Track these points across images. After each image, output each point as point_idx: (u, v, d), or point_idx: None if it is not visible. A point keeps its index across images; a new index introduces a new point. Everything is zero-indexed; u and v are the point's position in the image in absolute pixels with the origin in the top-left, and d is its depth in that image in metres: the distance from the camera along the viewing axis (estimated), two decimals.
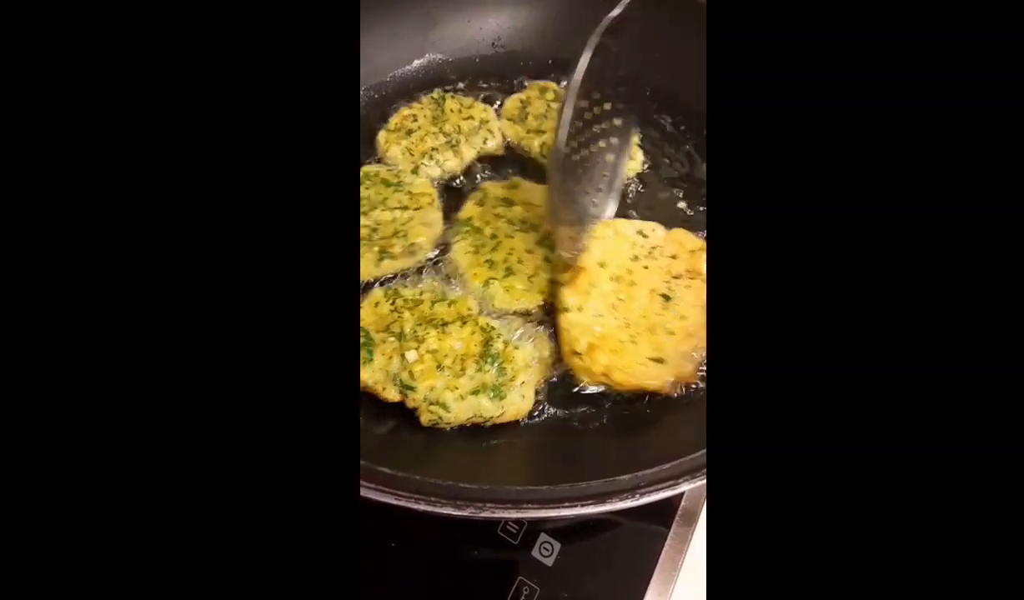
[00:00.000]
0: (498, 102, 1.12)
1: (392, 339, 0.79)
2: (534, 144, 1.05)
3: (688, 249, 0.90)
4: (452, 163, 1.03)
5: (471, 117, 1.07)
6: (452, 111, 1.08)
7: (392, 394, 0.76)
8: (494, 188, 0.99)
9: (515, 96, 1.12)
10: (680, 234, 0.92)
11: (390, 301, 0.83)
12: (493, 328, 0.80)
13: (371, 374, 0.77)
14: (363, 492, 0.59)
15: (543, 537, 0.73)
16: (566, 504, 0.60)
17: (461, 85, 1.16)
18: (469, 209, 0.96)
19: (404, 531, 0.72)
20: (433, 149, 1.02)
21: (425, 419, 0.75)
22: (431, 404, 0.74)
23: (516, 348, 0.79)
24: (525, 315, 0.87)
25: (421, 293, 0.85)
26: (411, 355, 0.76)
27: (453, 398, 0.75)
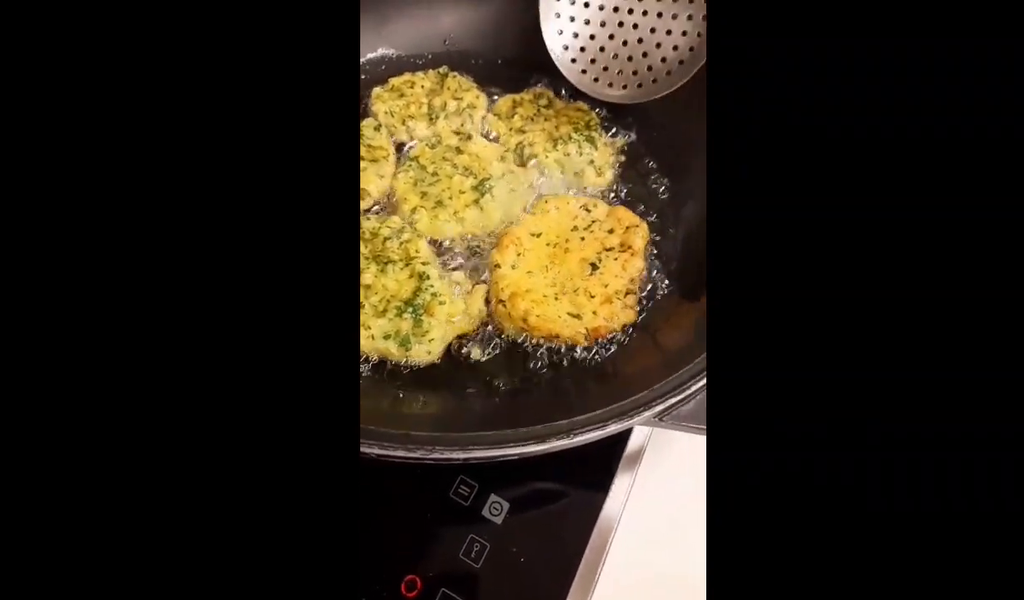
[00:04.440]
0: (495, 98, 1.16)
1: None
2: (511, 141, 1.07)
3: (624, 224, 0.95)
4: (421, 133, 1.08)
5: (461, 99, 1.12)
6: (448, 88, 1.13)
7: None
8: (449, 136, 1.05)
9: (510, 96, 1.15)
10: (620, 211, 0.97)
11: None
12: (428, 277, 0.85)
13: None
14: None
15: (493, 498, 0.78)
16: (510, 444, 0.66)
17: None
18: (420, 149, 1.04)
19: (358, 496, 0.75)
20: (410, 116, 1.07)
21: None
22: None
23: (442, 303, 0.84)
24: (472, 270, 0.92)
25: (380, 228, 0.91)
26: None
27: (364, 336, 0.81)
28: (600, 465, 0.82)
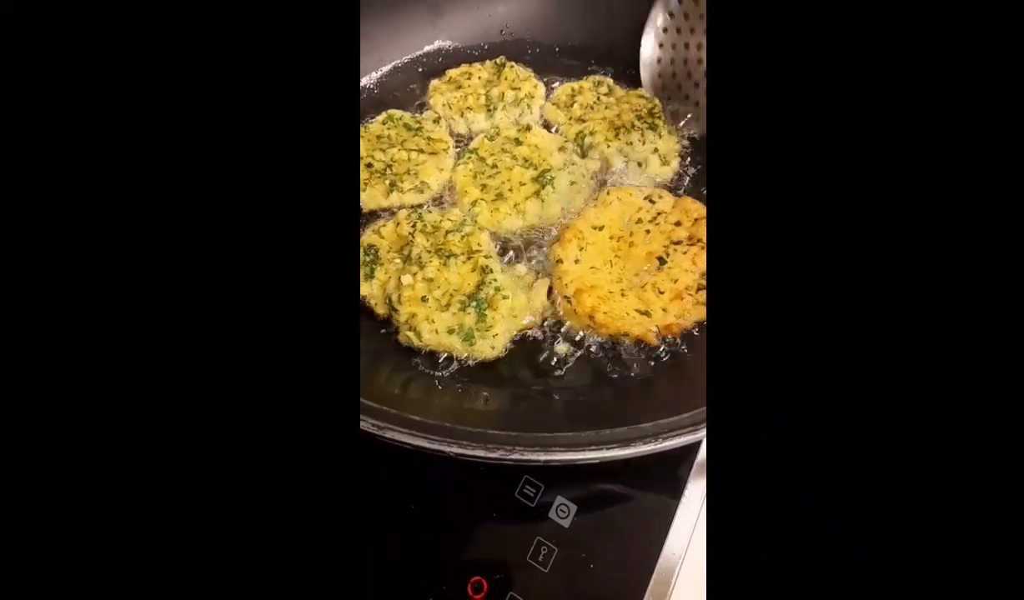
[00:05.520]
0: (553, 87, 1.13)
1: (398, 260, 0.85)
2: (571, 131, 1.04)
3: (692, 216, 0.91)
4: (480, 125, 1.06)
5: (519, 89, 1.09)
6: (506, 79, 1.11)
7: (382, 309, 0.80)
8: (508, 128, 1.02)
9: (568, 84, 1.12)
10: (687, 202, 0.93)
11: (411, 224, 0.88)
12: (491, 271, 0.83)
13: (369, 289, 0.83)
14: (396, 436, 0.62)
15: (559, 500, 0.74)
16: (592, 448, 0.62)
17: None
18: (479, 141, 1.02)
19: (423, 494, 0.75)
20: (468, 108, 1.05)
21: (402, 338, 0.80)
22: (408, 329, 0.79)
23: (505, 297, 0.81)
24: (533, 264, 0.90)
25: (441, 221, 0.89)
26: (406, 279, 0.81)
27: (428, 329, 0.79)
28: (668, 468, 0.78)
